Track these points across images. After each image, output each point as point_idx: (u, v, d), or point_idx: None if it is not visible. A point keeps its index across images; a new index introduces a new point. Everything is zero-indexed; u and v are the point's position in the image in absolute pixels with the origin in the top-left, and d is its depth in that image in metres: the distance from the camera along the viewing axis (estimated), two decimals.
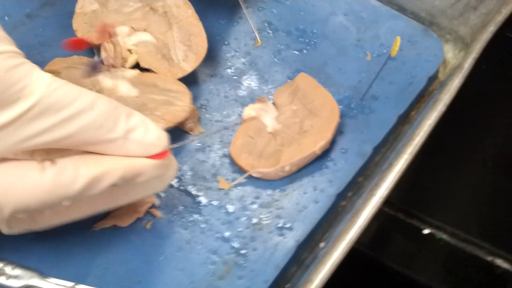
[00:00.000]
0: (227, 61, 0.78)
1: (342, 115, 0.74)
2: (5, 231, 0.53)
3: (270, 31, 0.81)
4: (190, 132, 0.71)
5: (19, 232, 0.54)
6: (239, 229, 0.65)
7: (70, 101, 0.48)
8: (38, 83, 0.47)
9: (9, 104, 0.45)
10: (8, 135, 0.46)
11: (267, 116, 0.72)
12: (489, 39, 0.74)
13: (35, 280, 0.59)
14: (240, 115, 0.73)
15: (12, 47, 0.47)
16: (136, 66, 0.71)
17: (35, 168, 0.49)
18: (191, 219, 0.65)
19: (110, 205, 0.57)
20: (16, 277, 0.58)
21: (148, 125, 0.53)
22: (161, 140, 0.53)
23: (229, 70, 0.77)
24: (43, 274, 0.59)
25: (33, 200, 0.48)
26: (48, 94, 0.47)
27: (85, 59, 0.70)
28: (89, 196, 0.51)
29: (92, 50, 0.73)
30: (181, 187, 0.67)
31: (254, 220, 0.66)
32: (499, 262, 0.72)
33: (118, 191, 0.54)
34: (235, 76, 0.77)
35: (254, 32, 0.80)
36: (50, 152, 0.51)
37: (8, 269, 0.59)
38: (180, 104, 0.68)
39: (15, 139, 0.47)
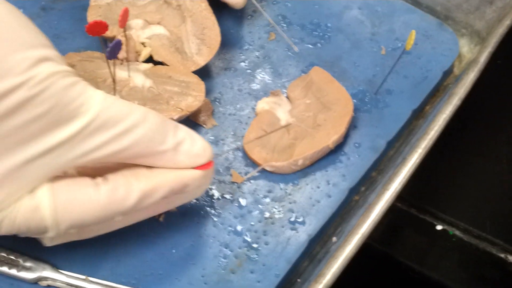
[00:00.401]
0: (241, 54, 0.78)
1: (356, 109, 0.73)
2: (48, 243, 0.54)
3: (284, 25, 0.81)
4: (204, 125, 0.71)
5: (60, 243, 0.55)
6: (251, 223, 0.65)
7: (124, 115, 0.49)
8: (94, 100, 0.48)
9: (67, 120, 0.47)
10: (67, 151, 0.48)
11: (280, 109, 0.72)
12: (505, 33, 0.73)
13: (47, 272, 0.59)
14: (253, 109, 0.73)
15: (66, 67, 0.48)
16: (149, 59, 0.71)
17: (90, 185, 0.50)
18: (204, 212, 0.65)
19: (153, 214, 0.58)
20: (29, 269, 0.59)
21: (193, 136, 0.54)
22: (206, 150, 0.55)
23: (243, 64, 0.77)
24: (56, 266, 0.60)
25: (89, 217, 0.50)
26: (103, 110, 0.48)
27: (97, 54, 0.70)
28: (139, 209, 0.53)
29: (106, 43, 0.73)
30: None
31: (267, 214, 0.66)
32: None
33: (162, 201, 0.55)
34: (249, 69, 0.76)
35: (268, 26, 0.80)
36: (100, 168, 0.53)
37: (21, 261, 0.59)
38: (194, 94, 0.68)
39: (74, 155, 0.48)
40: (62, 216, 0.49)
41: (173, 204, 0.58)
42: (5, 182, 0.46)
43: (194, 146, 0.54)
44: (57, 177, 0.50)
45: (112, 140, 0.49)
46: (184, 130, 0.54)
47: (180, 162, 0.53)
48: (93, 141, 0.48)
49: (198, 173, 0.55)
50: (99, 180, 0.51)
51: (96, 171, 0.53)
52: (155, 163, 0.53)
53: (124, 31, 0.65)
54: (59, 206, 0.49)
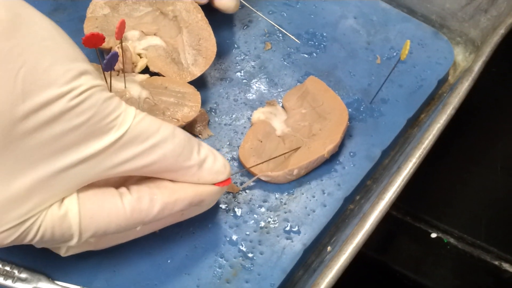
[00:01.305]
0: (237, 64, 0.78)
1: (351, 118, 0.74)
2: (64, 253, 0.56)
3: (280, 35, 0.81)
4: (199, 136, 0.71)
5: (75, 253, 0.57)
6: (246, 233, 0.65)
7: (154, 130, 0.51)
8: (127, 114, 0.49)
9: (103, 133, 0.48)
10: (100, 162, 0.49)
11: (276, 119, 0.72)
12: (499, 42, 0.74)
13: (43, 283, 0.59)
14: (249, 119, 0.73)
15: (102, 82, 0.49)
16: (146, 70, 0.72)
17: (115, 196, 0.52)
18: (199, 222, 0.65)
19: (167, 224, 0.60)
20: (24, 280, 0.59)
21: (215, 154, 0.57)
22: (226, 167, 0.57)
23: (238, 74, 0.77)
24: (51, 277, 0.60)
25: (112, 226, 0.51)
26: (135, 125, 0.50)
27: (94, 66, 0.70)
28: (157, 220, 0.55)
29: (102, 54, 0.74)
30: None
31: (262, 224, 0.66)
32: (507, 266, 0.71)
33: (177, 212, 0.56)
34: (245, 79, 0.77)
35: (264, 36, 0.81)
36: (125, 179, 0.56)
37: (16, 272, 0.59)
38: (190, 104, 0.68)
39: (106, 166, 0.49)
40: (88, 224, 0.50)
41: (185, 216, 0.60)
42: (38, 190, 0.47)
43: (216, 163, 0.56)
44: (83, 187, 0.51)
45: (142, 154, 0.50)
46: (206, 147, 0.56)
47: (202, 178, 0.55)
48: (125, 154, 0.49)
49: (216, 189, 0.57)
50: (123, 189, 0.53)
51: (121, 182, 0.55)
52: (179, 178, 0.55)
53: (121, 42, 0.66)
54: (86, 214, 0.50)
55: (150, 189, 0.53)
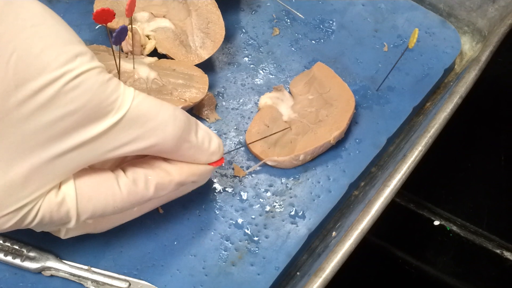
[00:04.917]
0: (245, 49, 0.78)
1: (358, 105, 0.74)
2: (63, 236, 0.56)
3: (288, 20, 0.81)
4: (207, 119, 0.71)
5: (73, 235, 0.57)
6: (252, 216, 0.66)
7: (155, 112, 0.50)
8: (126, 97, 0.49)
9: (100, 117, 0.47)
10: (98, 146, 0.48)
11: (283, 105, 0.72)
12: (507, 32, 0.74)
13: (51, 262, 0.60)
14: (256, 103, 0.74)
15: (100, 63, 0.48)
16: (154, 52, 0.72)
17: (112, 178, 0.52)
18: (205, 205, 0.66)
19: (162, 203, 0.61)
20: (32, 258, 0.60)
21: (210, 134, 0.57)
22: (220, 147, 0.58)
23: (246, 59, 0.78)
24: (59, 257, 0.61)
25: (109, 208, 0.52)
26: (134, 107, 0.49)
27: (103, 47, 0.71)
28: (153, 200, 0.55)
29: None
30: None
31: (267, 208, 0.66)
32: (508, 255, 0.72)
33: (172, 191, 0.57)
34: (252, 64, 0.77)
35: (272, 21, 0.81)
36: (122, 159, 0.56)
37: (25, 251, 0.60)
38: (198, 86, 0.69)
39: (104, 150, 0.49)
40: (85, 207, 0.50)
41: (180, 193, 0.61)
42: (35, 176, 0.47)
43: (212, 144, 0.56)
44: (80, 170, 0.51)
45: (141, 137, 0.50)
46: (203, 128, 0.56)
47: (197, 158, 0.56)
48: (123, 137, 0.49)
49: (209, 168, 0.58)
50: (119, 172, 0.53)
51: (118, 161, 0.56)
52: (176, 158, 0.55)
53: (131, 21, 0.66)
54: (83, 198, 0.50)
55: (145, 170, 0.53)
